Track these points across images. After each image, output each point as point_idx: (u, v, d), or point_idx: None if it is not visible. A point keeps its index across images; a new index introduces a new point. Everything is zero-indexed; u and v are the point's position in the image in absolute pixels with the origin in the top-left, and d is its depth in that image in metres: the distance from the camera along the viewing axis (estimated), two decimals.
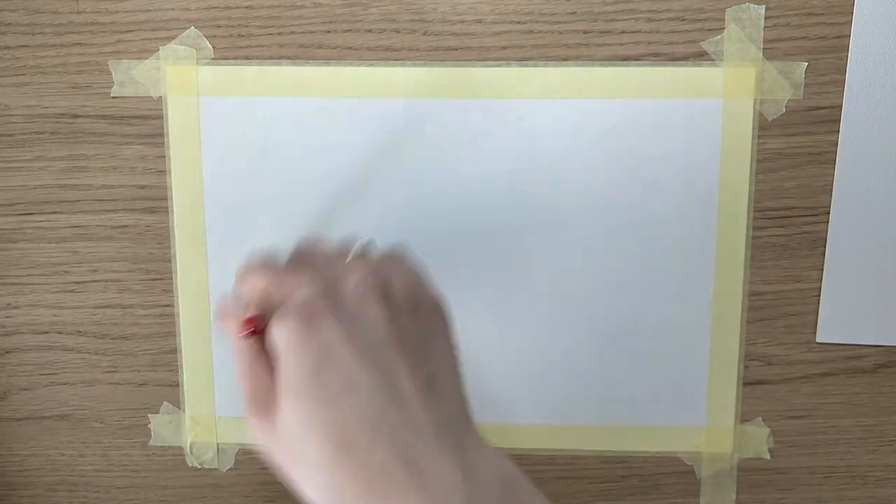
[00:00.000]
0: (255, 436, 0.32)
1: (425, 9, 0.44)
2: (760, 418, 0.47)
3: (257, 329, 0.33)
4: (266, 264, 0.34)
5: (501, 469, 0.32)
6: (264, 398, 0.31)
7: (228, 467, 0.49)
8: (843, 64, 0.43)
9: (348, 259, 0.35)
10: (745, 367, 0.47)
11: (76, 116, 0.46)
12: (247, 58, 0.45)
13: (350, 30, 0.44)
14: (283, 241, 0.46)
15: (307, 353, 0.30)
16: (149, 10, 0.45)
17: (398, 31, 0.44)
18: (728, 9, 0.43)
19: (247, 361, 0.32)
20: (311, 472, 0.30)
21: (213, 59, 0.45)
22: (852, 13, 0.43)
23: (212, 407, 0.49)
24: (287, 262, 0.35)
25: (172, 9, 0.44)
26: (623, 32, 0.44)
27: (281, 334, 0.30)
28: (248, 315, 0.33)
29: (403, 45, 0.44)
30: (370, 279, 0.32)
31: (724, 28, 0.43)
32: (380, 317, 0.31)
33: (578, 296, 0.46)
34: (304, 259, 0.34)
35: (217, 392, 0.48)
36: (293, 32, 0.44)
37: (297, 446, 0.30)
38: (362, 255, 0.36)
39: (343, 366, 0.30)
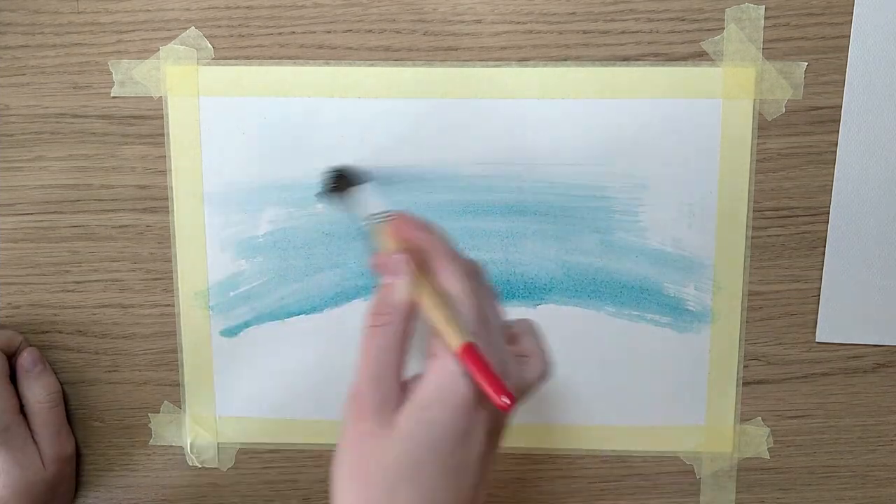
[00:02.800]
0: (356, 426, 0.31)
1: (425, 9, 0.44)
2: (760, 418, 0.47)
3: (407, 329, 0.33)
4: (474, 290, 0.33)
5: None
6: (385, 398, 0.31)
7: (228, 467, 0.49)
8: (843, 64, 0.43)
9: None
10: (745, 366, 0.47)
11: (76, 116, 0.46)
12: (247, 58, 0.45)
13: (350, 30, 0.44)
14: (282, 239, 0.46)
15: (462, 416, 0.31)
16: (149, 10, 0.45)
17: (398, 31, 0.44)
18: (728, 9, 0.43)
19: (389, 348, 0.32)
20: (377, 500, 0.30)
21: (213, 59, 0.45)
22: (852, 13, 0.43)
23: (212, 406, 0.49)
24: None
25: (173, 9, 0.44)
26: (623, 32, 0.44)
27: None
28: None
29: (403, 45, 0.44)
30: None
31: (724, 28, 0.43)
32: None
33: (578, 295, 0.46)
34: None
35: (217, 392, 0.48)
36: (293, 32, 0.45)
37: (389, 472, 0.30)
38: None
39: (469, 450, 0.31)
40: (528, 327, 0.37)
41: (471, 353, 0.30)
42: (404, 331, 0.32)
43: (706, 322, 0.46)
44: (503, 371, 0.31)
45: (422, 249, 0.34)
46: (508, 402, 0.29)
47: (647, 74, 0.44)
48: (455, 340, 0.30)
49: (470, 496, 0.31)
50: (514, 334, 0.36)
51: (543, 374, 0.35)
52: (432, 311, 0.32)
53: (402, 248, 0.34)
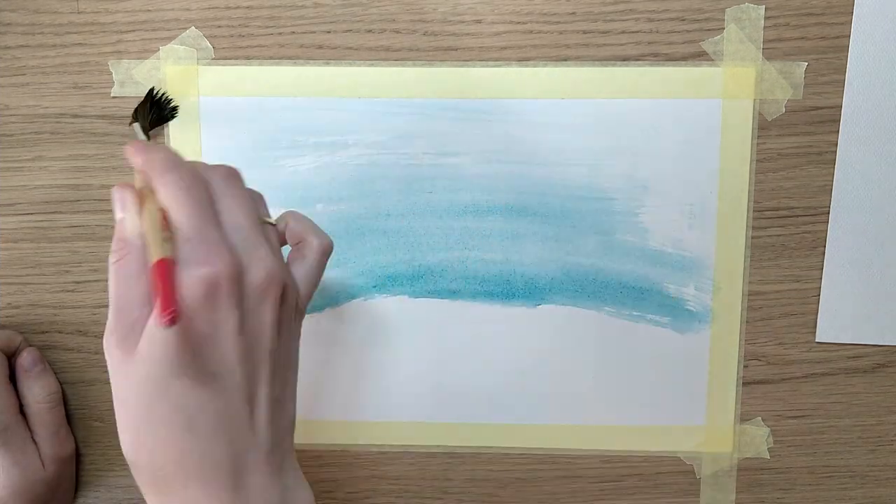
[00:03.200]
0: (111, 359, 0.32)
1: (425, 9, 0.44)
2: (760, 418, 0.47)
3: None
4: (194, 195, 0.32)
5: (310, 499, 0.34)
6: (131, 326, 0.31)
7: None
8: (843, 64, 0.43)
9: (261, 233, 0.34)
10: (745, 366, 0.47)
11: (76, 116, 0.46)
12: (247, 58, 0.45)
13: (350, 30, 0.44)
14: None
15: (197, 323, 0.30)
16: (149, 11, 0.45)
17: (398, 31, 0.44)
18: (728, 9, 0.43)
19: (127, 281, 0.32)
20: (137, 426, 0.31)
21: (213, 59, 0.45)
22: (852, 13, 0.43)
23: None
24: (206, 215, 0.32)
25: (173, 9, 0.44)
26: (623, 32, 0.44)
27: (187, 288, 0.30)
28: (161, 249, 0.31)
29: (403, 45, 0.44)
30: (275, 280, 0.32)
31: (724, 28, 0.43)
32: (267, 322, 0.32)
33: (578, 295, 0.46)
34: (219, 223, 0.33)
35: None
36: (293, 32, 0.45)
37: (142, 395, 0.30)
38: (272, 230, 0.35)
39: (222, 352, 0.31)
40: (290, 216, 0.36)
41: (159, 268, 0.30)
42: (142, 261, 0.32)
43: (706, 322, 0.46)
44: (247, 262, 0.31)
45: (146, 173, 0.33)
46: (168, 319, 0.29)
47: (647, 74, 0.44)
48: (152, 258, 0.30)
49: (250, 391, 0.32)
50: (283, 229, 0.36)
51: (322, 246, 0.35)
52: (147, 232, 0.32)
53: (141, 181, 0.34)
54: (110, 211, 0.47)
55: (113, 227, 0.47)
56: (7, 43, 0.45)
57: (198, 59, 0.45)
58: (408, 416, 0.48)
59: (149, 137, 0.42)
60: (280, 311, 0.33)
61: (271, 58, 0.45)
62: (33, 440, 0.46)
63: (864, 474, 0.48)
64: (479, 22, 0.44)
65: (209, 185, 0.33)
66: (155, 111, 0.43)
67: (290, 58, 0.45)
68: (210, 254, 0.31)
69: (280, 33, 0.45)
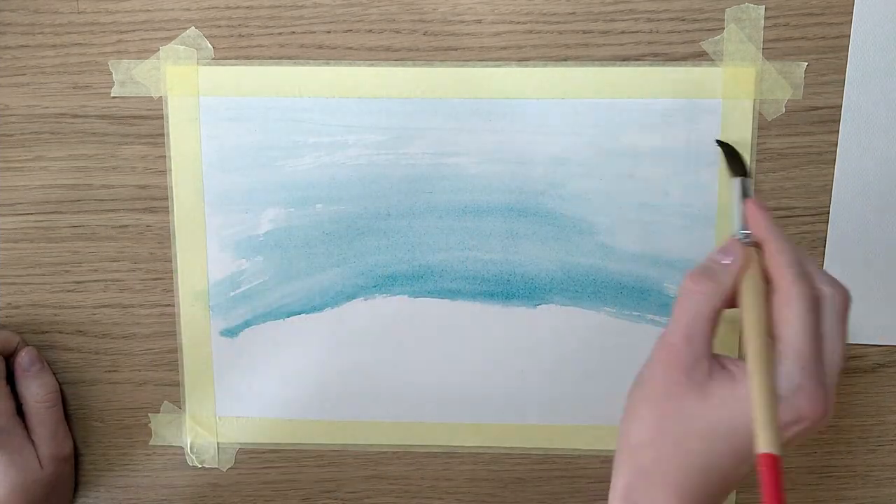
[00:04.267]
0: (671, 382, 0.33)
1: (425, 9, 0.44)
2: None
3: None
4: (813, 322, 0.33)
5: None
6: (696, 359, 0.33)
7: (228, 467, 0.49)
8: (843, 64, 0.43)
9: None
10: None
11: (76, 116, 0.46)
12: (247, 58, 0.45)
13: (350, 30, 0.44)
14: (282, 239, 0.46)
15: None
16: (149, 10, 0.45)
17: (398, 31, 0.44)
18: (728, 9, 0.43)
19: (699, 315, 0.34)
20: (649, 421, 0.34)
21: (213, 59, 0.45)
22: (852, 13, 0.43)
23: (212, 407, 0.49)
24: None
25: (173, 9, 0.44)
26: (623, 32, 0.44)
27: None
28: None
29: (403, 45, 0.44)
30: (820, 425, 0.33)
31: (724, 28, 0.43)
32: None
33: (578, 296, 0.46)
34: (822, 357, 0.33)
35: (217, 392, 0.48)
36: (293, 32, 0.45)
37: (691, 435, 0.33)
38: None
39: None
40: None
41: (767, 464, 0.31)
42: (716, 309, 0.34)
43: None
44: (828, 410, 0.32)
45: (764, 249, 0.34)
46: None
47: (647, 74, 0.44)
48: (767, 429, 0.31)
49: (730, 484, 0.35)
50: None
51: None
52: (749, 331, 0.33)
53: (752, 239, 0.35)
54: (110, 211, 0.47)
55: (113, 228, 0.47)
56: (7, 43, 0.45)
57: (198, 59, 0.45)
58: (408, 416, 0.48)
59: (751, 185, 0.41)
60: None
61: (271, 58, 0.45)
62: (31, 440, 0.46)
63: (864, 474, 0.48)
64: (479, 22, 0.44)
65: (819, 304, 0.33)
66: (732, 154, 0.42)
67: (290, 58, 0.45)
68: (816, 396, 0.32)
69: (280, 33, 0.45)
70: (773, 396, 0.31)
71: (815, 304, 0.33)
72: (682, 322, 0.34)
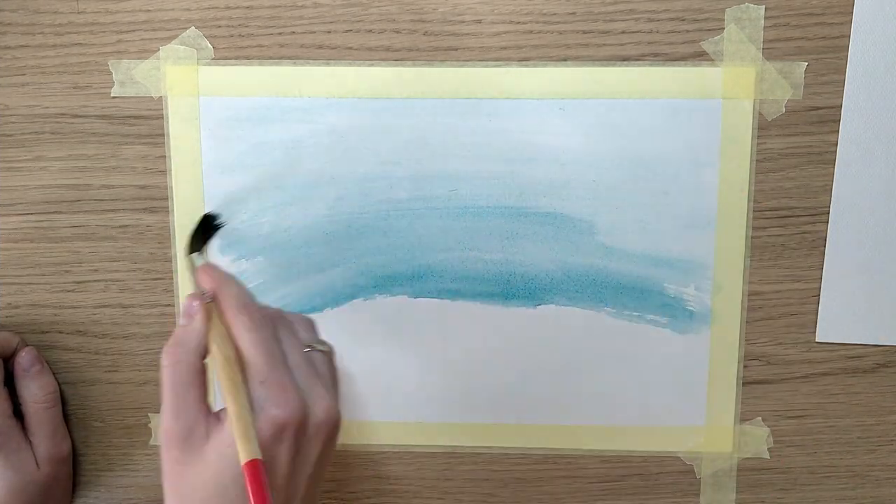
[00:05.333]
0: (168, 456, 0.34)
1: (425, 9, 0.44)
2: (760, 418, 0.47)
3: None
4: (266, 337, 0.36)
5: None
6: (189, 429, 0.34)
7: None
8: (843, 64, 0.43)
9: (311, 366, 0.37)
10: (745, 366, 0.47)
11: (76, 116, 0.46)
12: (247, 58, 0.45)
13: (350, 30, 0.44)
14: (281, 239, 0.46)
15: (271, 454, 0.34)
16: (149, 10, 0.45)
17: (398, 31, 0.44)
18: (728, 9, 0.43)
19: (183, 387, 0.35)
20: None
21: (213, 59, 0.45)
22: (852, 13, 0.43)
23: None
24: (274, 359, 0.36)
25: (173, 9, 0.44)
26: (623, 32, 0.44)
27: (259, 430, 0.34)
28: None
29: (403, 45, 0.44)
30: (332, 419, 0.36)
31: (724, 28, 0.43)
32: (314, 454, 0.36)
33: (578, 296, 0.46)
34: (287, 365, 0.36)
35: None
36: (293, 32, 0.45)
37: (199, 491, 0.34)
38: (321, 357, 0.38)
39: (273, 475, 0.34)
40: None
41: (251, 470, 0.32)
42: (196, 369, 0.36)
43: (706, 322, 0.46)
44: (311, 402, 0.35)
45: (219, 299, 0.37)
46: None
47: (647, 74, 0.44)
48: (242, 441, 0.33)
49: None
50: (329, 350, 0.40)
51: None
52: (220, 371, 0.35)
53: (208, 294, 0.37)
54: (110, 211, 0.47)
55: (113, 228, 0.47)
56: (7, 43, 0.45)
57: (198, 59, 0.45)
58: (408, 416, 0.48)
59: (204, 257, 0.42)
60: (327, 445, 0.36)
61: (271, 58, 0.45)
62: (29, 441, 0.46)
63: (864, 474, 0.48)
64: (479, 22, 0.44)
65: (273, 324, 0.37)
66: (202, 231, 0.43)
67: (290, 58, 0.45)
68: (282, 398, 0.34)
69: (280, 33, 0.45)
70: (246, 412, 0.34)
71: (261, 325, 0.36)
72: (167, 400, 0.35)
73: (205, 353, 0.36)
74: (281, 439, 0.34)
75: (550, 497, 0.49)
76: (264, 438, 0.34)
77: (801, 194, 0.45)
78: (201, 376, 0.36)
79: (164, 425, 0.35)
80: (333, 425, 0.36)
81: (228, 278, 0.38)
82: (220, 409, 0.35)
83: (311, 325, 0.40)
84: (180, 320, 0.37)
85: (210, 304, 0.37)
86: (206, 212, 0.45)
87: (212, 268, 0.38)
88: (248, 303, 0.37)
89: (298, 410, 0.34)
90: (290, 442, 0.34)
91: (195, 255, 0.41)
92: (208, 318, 0.36)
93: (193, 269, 0.39)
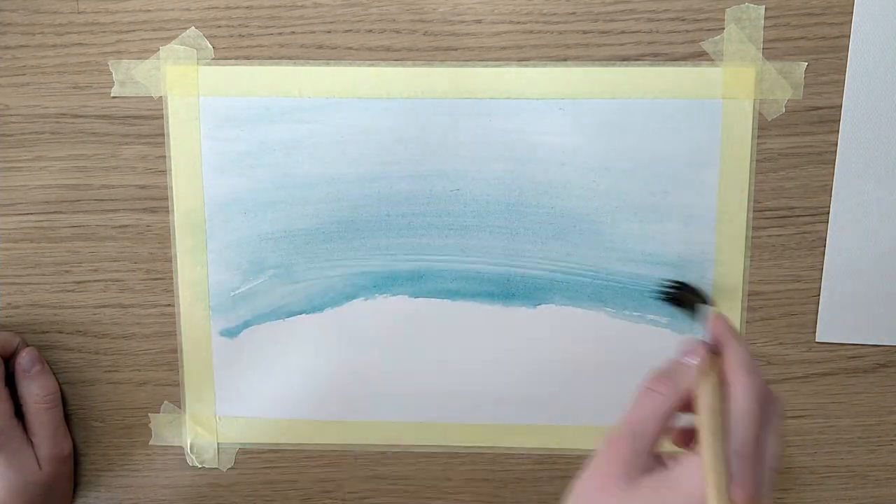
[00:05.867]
0: (607, 468, 0.34)
1: (425, 9, 0.44)
2: None
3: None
4: (759, 413, 0.34)
5: None
6: (636, 454, 0.34)
7: (228, 467, 0.49)
8: (843, 64, 0.43)
9: None
10: None
11: (76, 116, 0.46)
12: (247, 58, 0.45)
13: (350, 30, 0.44)
14: (282, 240, 0.46)
15: None
16: (149, 11, 0.45)
17: (398, 31, 0.44)
18: (728, 9, 0.43)
19: (653, 415, 0.35)
20: None
21: (213, 59, 0.45)
22: (852, 13, 0.43)
23: (212, 407, 0.49)
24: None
25: (173, 9, 0.44)
26: (623, 32, 0.44)
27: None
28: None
29: (403, 45, 0.44)
30: None
31: (724, 28, 0.43)
32: None
33: (578, 296, 0.46)
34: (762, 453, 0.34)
35: (217, 392, 0.48)
36: (293, 32, 0.45)
37: None
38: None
39: None
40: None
41: None
42: (673, 408, 0.35)
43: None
44: (757, 496, 0.33)
45: (724, 353, 0.36)
46: None
47: (647, 74, 0.44)
48: (712, 482, 0.32)
49: None
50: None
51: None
52: (704, 419, 0.34)
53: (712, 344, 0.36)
54: (110, 211, 0.47)
55: (113, 228, 0.47)
56: (7, 43, 0.45)
57: (198, 59, 0.45)
58: (408, 416, 0.48)
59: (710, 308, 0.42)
60: None
61: (271, 58, 0.45)
62: (30, 441, 0.46)
63: (864, 474, 0.48)
64: (479, 22, 0.44)
65: (766, 405, 0.35)
66: (694, 293, 0.44)
67: (290, 58, 0.45)
68: (747, 486, 0.32)
69: (280, 33, 0.45)
70: (722, 469, 0.33)
71: (763, 401, 0.34)
72: (632, 418, 0.35)
73: (685, 403, 0.35)
74: None
75: (550, 497, 0.49)
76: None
77: (801, 194, 0.45)
78: (667, 420, 0.35)
79: (619, 438, 0.34)
80: None
81: (738, 336, 0.37)
82: (667, 454, 0.35)
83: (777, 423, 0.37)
84: (680, 355, 0.36)
85: (713, 354, 0.36)
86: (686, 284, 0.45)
87: (724, 319, 0.37)
88: (756, 370, 0.35)
89: (751, 501, 0.33)
90: None
91: (707, 308, 0.41)
92: (705, 367, 0.35)
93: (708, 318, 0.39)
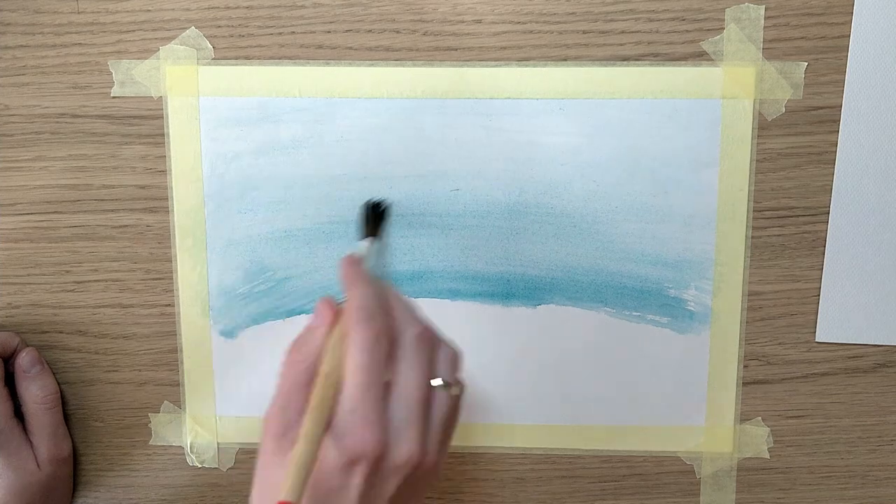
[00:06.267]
0: (263, 445, 0.34)
1: (425, 9, 0.44)
2: (760, 418, 0.47)
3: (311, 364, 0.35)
4: (371, 361, 0.34)
5: None
6: (287, 426, 0.33)
7: (229, 467, 0.49)
8: (843, 64, 0.43)
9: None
10: (745, 366, 0.47)
11: (76, 116, 0.46)
12: (247, 58, 0.45)
13: (350, 30, 0.44)
14: (282, 240, 0.46)
15: (328, 481, 0.33)
16: (149, 10, 0.45)
17: (398, 31, 0.44)
18: (728, 9, 0.43)
19: (296, 386, 0.34)
20: None
21: (213, 59, 0.45)
22: (852, 13, 0.43)
23: (212, 406, 0.49)
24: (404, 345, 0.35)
25: (173, 9, 0.44)
26: (623, 32, 0.44)
27: (330, 456, 0.32)
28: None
29: (403, 45, 0.44)
30: (411, 463, 0.33)
31: (724, 28, 0.43)
32: (386, 494, 0.34)
33: (578, 296, 0.46)
34: (384, 396, 0.34)
35: (217, 391, 0.48)
36: (293, 32, 0.45)
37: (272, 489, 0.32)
38: (444, 396, 0.36)
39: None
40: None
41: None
42: (313, 374, 0.34)
43: (706, 322, 0.46)
44: (394, 440, 0.33)
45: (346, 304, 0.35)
46: None
47: (647, 74, 0.44)
48: (293, 472, 0.31)
49: None
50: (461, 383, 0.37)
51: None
52: (316, 386, 0.34)
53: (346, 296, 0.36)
54: (110, 211, 0.47)
55: (113, 228, 0.47)
56: (7, 43, 0.45)
57: (198, 59, 0.45)
58: None
59: (376, 235, 0.42)
60: (405, 489, 0.34)
61: (271, 58, 0.45)
62: (30, 441, 0.46)
63: (864, 474, 0.48)
64: (479, 22, 0.44)
65: (395, 343, 0.34)
66: (372, 217, 0.43)
67: (290, 58, 0.45)
68: (361, 432, 0.32)
69: (280, 33, 0.45)
70: (314, 440, 0.32)
71: (374, 346, 0.33)
72: (280, 392, 0.34)
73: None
74: (351, 472, 0.33)
75: (550, 497, 0.49)
76: (333, 466, 0.32)
77: (801, 194, 0.45)
78: (311, 385, 0.34)
79: (267, 414, 0.34)
80: (414, 468, 0.33)
81: (363, 280, 0.35)
82: None
83: (454, 359, 0.37)
84: (311, 318, 0.36)
85: (341, 307, 0.35)
86: (369, 199, 0.44)
87: (352, 264, 0.36)
88: (372, 315, 0.34)
89: (375, 447, 0.32)
90: (361, 478, 0.32)
91: (366, 241, 0.40)
92: (336, 322, 0.35)
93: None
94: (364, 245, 0.40)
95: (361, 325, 0.33)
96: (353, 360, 0.33)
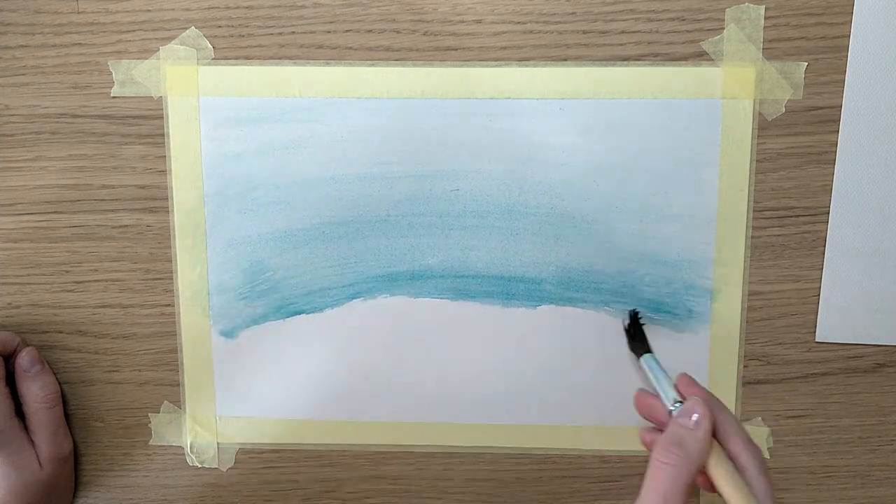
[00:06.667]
0: None
1: (425, 9, 0.44)
2: (760, 418, 0.47)
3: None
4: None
5: None
6: None
7: (228, 467, 0.49)
8: (843, 64, 0.43)
9: None
10: (745, 366, 0.47)
11: (76, 116, 0.46)
12: (247, 58, 0.45)
13: (350, 30, 0.44)
14: (282, 240, 0.46)
15: None
16: (149, 10, 0.45)
17: (398, 31, 0.44)
18: (728, 9, 0.43)
19: (676, 486, 0.34)
20: None
21: (213, 59, 0.45)
22: (852, 13, 0.43)
23: (212, 406, 0.49)
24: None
25: (173, 9, 0.44)
26: (623, 32, 0.44)
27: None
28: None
29: (403, 45, 0.44)
30: None
31: (724, 28, 0.43)
32: None
33: (578, 296, 0.46)
34: None
35: (217, 391, 0.48)
36: (293, 32, 0.45)
37: None
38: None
39: None
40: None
41: None
42: (690, 476, 0.34)
43: (706, 322, 0.46)
44: None
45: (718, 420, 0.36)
46: None
47: (647, 74, 0.44)
48: None
49: None
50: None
51: None
52: (724, 478, 0.34)
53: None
54: (110, 211, 0.47)
55: (113, 228, 0.47)
56: (7, 43, 0.45)
57: (198, 59, 0.45)
58: (408, 416, 0.48)
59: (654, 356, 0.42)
60: None
61: (271, 58, 0.45)
62: (31, 440, 0.46)
63: (864, 474, 0.48)
64: (479, 22, 0.44)
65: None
66: (639, 330, 0.44)
67: (290, 58, 0.45)
68: None
69: (280, 33, 0.45)
70: (741, 482, 0.34)
71: (764, 467, 0.35)
72: (659, 493, 0.34)
73: (703, 461, 0.35)
74: None
75: (550, 497, 0.49)
76: None
77: (801, 194, 0.45)
78: (689, 489, 0.35)
79: None
80: None
81: (718, 400, 0.37)
82: None
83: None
84: (681, 419, 0.36)
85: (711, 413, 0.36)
86: (632, 309, 0.45)
87: (696, 383, 0.38)
88: (749, 437, 0.36)
89: None
90: None
91: (648, 356, 0.42)
92: (710, 428, 0.35)
93: (660, 368, 0.40)
94: (651, 362, 0.42)
95: (752, 447, 0.36)
96: (757, 463, 0.35)
